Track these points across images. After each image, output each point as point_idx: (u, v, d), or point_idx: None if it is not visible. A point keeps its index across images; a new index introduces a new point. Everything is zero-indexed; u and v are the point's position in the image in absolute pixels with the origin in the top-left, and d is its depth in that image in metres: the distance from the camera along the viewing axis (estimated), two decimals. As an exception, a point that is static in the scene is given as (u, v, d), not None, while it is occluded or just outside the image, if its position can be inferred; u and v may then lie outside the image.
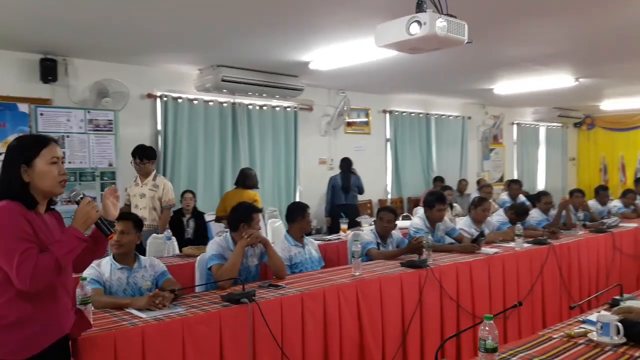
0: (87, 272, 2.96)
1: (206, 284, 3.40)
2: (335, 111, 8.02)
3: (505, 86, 8.08)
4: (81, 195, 2.14)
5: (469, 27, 3.27)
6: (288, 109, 7.61)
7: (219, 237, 3.60)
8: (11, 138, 4.96)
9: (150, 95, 6.46)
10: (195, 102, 6.70)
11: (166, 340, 2.60)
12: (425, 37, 2.87)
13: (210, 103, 6.83)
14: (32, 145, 2.01)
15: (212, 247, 3.47)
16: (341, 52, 5.49)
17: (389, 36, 3.02)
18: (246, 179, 5.68)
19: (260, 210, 3.68)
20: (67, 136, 5.36)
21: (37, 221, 1.99)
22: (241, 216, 3.54)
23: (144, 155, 5.12)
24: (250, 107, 7.21)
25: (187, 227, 5.61)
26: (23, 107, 5.09)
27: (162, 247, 4.73)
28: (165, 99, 6.49)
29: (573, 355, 2.18)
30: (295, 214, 4.00)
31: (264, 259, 3.62)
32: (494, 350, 1.89)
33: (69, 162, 5.31)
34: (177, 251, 4.79)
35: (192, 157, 6.70)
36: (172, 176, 6.49)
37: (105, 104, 5.78)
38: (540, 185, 11.62)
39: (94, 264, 3.09)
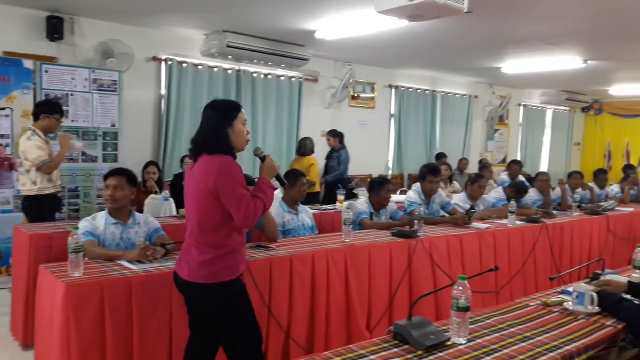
0: (82, 224, 3.04)
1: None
2: (340, 83, 7.99)
3: (513, 65, 8.00)
4: (264, 153, 2.55)
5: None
6: (293, 79, 7.59)
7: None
8: (15, 93, 5.03)
9: (155, 58, 6.46)
10: (199, 67, 6.70)
11: (154, 291, 2.68)
12: (425, 3, 2.86)
13: (215, 69, 6.83)
14: (232, 109, 2.39)
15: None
16: (347, 21, 5.45)
17: (389, 1, 3.01)
18: (300, 148, 6.99)
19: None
20: (71, 94, 5.39)
21: None
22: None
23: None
24: (254, 75, 7.19)
25: (187, 191, 5.67)
26: (28, 64, 5.11)
27: (159, 208, 4.81)
28: (170, 62, 6.48)
29: (546, 321, 2.23)
30: (288, 181, 4.05)
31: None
32: (465, 309, 1.95)
33: (72, 121, 5.35)
34: (174, 212, 4.87)
35: (194, 123, 6.68)
36: (173, 141, 6.53)
37: (110, 64, 5.79)
38: (543, 168, 11.58)
39: (89, 217, 3.18)
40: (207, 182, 2.27)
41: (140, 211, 4.50)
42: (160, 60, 6.48)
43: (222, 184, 2.26)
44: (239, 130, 2.37)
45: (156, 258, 2.90)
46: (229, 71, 6.96)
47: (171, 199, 4.99)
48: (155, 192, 5.21)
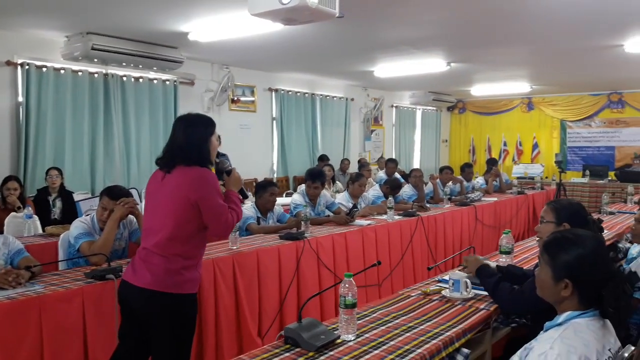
0: None
1: (72, 258, 3.20)
2: (218, 87, 7.84)
3: (385, 69, 8.39)
4: (230, 167, 2.62)
5: (344, 3, 3.33)
6: (167, 82, 7.30)
7: (84, 218, 3.41)
8: None
9: (9, 63, 5.86)
10: (62, 71, 6.19)
11: (20, 320, 2.41)
12: (297, 7, 2.88)
13: (80, 73, 6.35)
14: (211, 124, 2.46)
15: (77, 227, 3.27)
16: (221, 23, 5.35)
17: (262, 4, 3.00)
18: None
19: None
20: None
21: None
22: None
23: None
24: (124, 78, 6.81)
25: (54, 206, 5.22)
26: None
27: (22, 227, 4.35)
28: (27, 67, 5.91)
29: (427, 310, 2.35)
30: None
31: (132, 238, 3.46)
32: (353, 305, 1.98)
33: None
34: (39, 231, 4.44)
35: (59, 132, 6.19)
36: (35, 153, 5.97)
37: (-46, 69, 5.16)
38: (416, 165, 12.30)
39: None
40: (188, 193, 2.30)
41: (0, 232, 4.07)
42: (15, 64, 5.90)
43: (205, 196, 2.31)
44: (214, 144, 2.47)
45: (20, 283, 2.61)
46: (96, 75, 6.52)
47: (35, 217, 4.55)
48: (18, 209, 4.72)
